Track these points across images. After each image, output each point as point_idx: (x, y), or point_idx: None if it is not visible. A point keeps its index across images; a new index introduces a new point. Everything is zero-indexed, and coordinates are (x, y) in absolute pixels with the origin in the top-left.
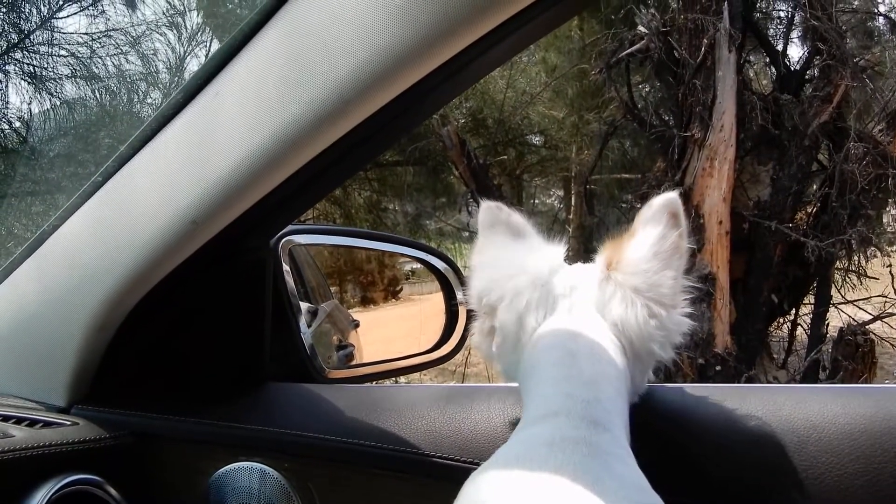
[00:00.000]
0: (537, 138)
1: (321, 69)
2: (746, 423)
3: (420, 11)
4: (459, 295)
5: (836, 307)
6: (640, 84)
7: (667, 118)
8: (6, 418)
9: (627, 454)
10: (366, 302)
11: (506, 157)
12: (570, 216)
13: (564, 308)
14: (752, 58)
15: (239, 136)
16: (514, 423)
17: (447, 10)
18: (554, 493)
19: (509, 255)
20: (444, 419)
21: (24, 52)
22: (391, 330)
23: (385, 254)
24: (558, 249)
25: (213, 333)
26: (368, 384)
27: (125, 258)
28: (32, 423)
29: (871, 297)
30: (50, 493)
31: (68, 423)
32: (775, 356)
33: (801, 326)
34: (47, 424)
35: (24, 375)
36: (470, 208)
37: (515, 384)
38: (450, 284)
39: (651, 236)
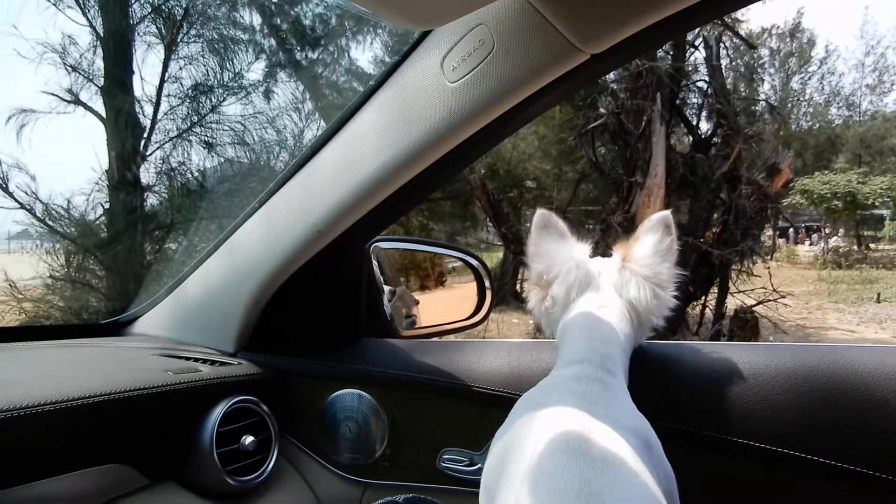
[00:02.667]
0: (531, 182)
1: (414, 121)
2: (706, 367)
3: (474, 91)
4: (486, 283)
5: (732, 295)
6: (600, 146)
7: (619, 169)
8: (196, 359)
9: (625, 392)
10: (422, 288)
11: (512, 194)
12: None
13: (595, 287)
14: (675, 129)
15: (350, 171)
16: (525, 366)
17: (490, 91)
18: (578, 408)
19: (559, 247)
20: (480, 362)
21: (202, 127)
22: (439, 306)
23: (436, 255)
24: (587, 247)
25: (327, 305)
26: (427, 339)
27: (274, 255)
28: (213, 362)
29: (755, 288)
30: (226, 407)
31: (235, 363)
32: (691, 328)
33: (708, 308)
34: (222, 364)
35: (209, 331)
36: (488, 229)
37: (530, 339)
38: (480, 275)
39: (652, 239)
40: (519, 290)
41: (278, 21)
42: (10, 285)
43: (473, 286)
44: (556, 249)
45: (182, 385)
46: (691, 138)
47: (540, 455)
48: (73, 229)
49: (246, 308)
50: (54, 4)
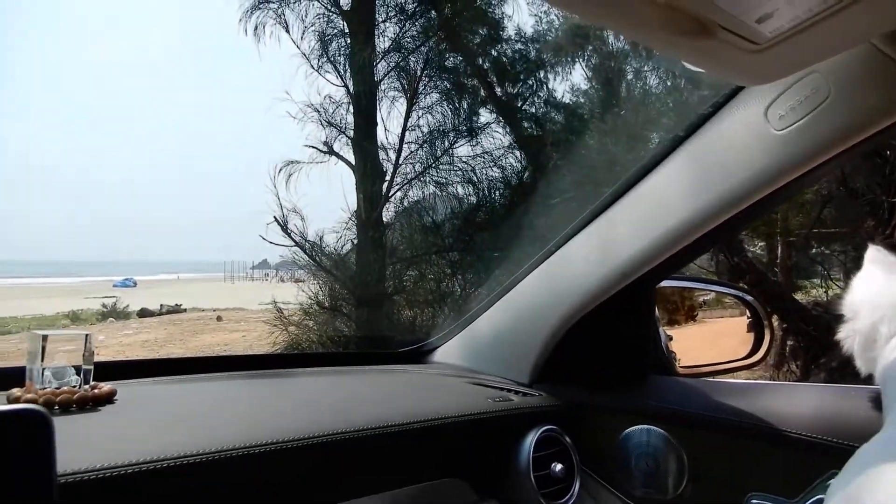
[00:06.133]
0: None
1: (732, 168)
2: None
3: (804, 138)
4: (764, 321)
5: None
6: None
7: (875, 189)
8: (502, 389)
9: None
10: (671, 322)
11: None
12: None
13: None
14: None
15: (659, 216)
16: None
17: (822, 138)
18: None
19: (881, 280)
20: (789, 405)
21: (437, 169)
22: (693, 342)
23: (685, 289)
24: None
25: (616, 341)
26: (703, 378)
27: (574, 295)
28: (516, 392)
29: None
30: (537, 434)
31: (536, 394)
32: None
33: None
34: (525, 395)
35: (504, 362)
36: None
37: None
38: (758, 313)
39: None
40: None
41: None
42: (277, 310)
43: (731, 322)
44: (875, 281)
45: (502, 412)
46: None
47: None
48: (329, 263)
49: (543, 343)
50: (316, 70)
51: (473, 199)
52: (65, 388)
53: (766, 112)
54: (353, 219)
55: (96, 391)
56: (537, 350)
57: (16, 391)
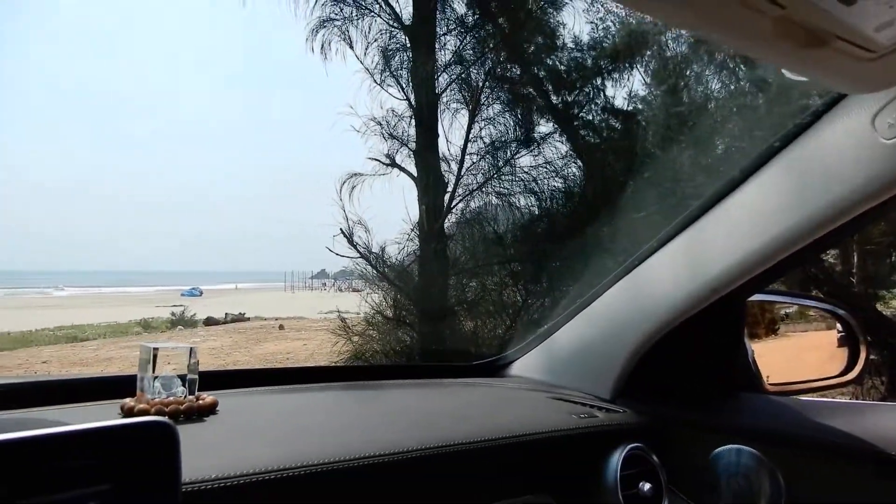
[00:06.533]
0: None
1: (835, 179)
2: None
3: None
4: (860, 337)
5: None
6: None
7: None
8: (584, 404)
9: None
10: (752, 336)
11: None
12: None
13: None
14: None
15: (754, 230)
16: None
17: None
18: None
19: None
20: (879, 424)
21: (499, 180)
22: (775, 357)
23: (765, 302)
24: None
25: (703, 356)
26: (795, 397)
27: (660, 309)
28: (600, 408)
29: None
30: (624, 452)
31: (620, 410)
32: None
33: None
34: (609, 411)
35: (585, 377)
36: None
37: None
38: (853, 329)
39: None
40: None
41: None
42: (341, 319)
43: (815, 337)
44: None
45: (588, 428)
46: None
47: None
48: (392, 274)
49: (626, 357)
50: (379, 84)
51: (536, 209)
52: (172, 398)
53: (873, 121)
54: (416, 230)
55: (200, 402)
56: (620, 365)
57: (129, 401)
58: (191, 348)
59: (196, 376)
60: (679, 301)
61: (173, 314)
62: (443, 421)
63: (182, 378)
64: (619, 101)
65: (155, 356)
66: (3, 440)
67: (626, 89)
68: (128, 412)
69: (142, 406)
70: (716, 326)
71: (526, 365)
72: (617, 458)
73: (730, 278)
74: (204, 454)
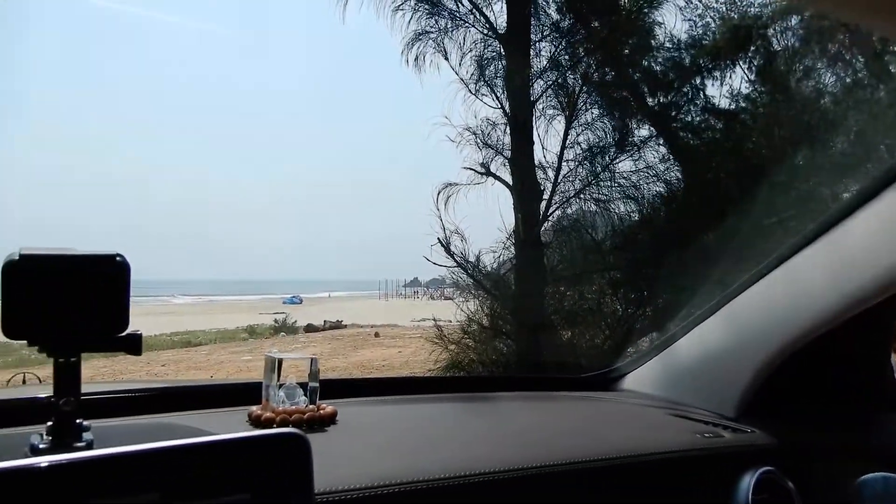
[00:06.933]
0: None
1: None
2: None
3: None
4: None
5: None
6: None
7: None
8: (706, 422)
9: None
10: None
11: None
12: None
13: None
14: None
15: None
16: None
17: None
18: None
19: None
20: None
21: (597, 186)
22: None
23: None
24: None
25: (844, 373)
26: None
27: (794, 322)
28: (724, 427)
29: None
30: (756, 476)
31: (748, 430)
32: None
33: None
34: (735, 430)
35: (705, 393)
36: None
37: None
38: None
39: None
40: None
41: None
42: (437, 328)
43: None
44: None
45: (715, 449)
46: None
47: None
48: (489, 282)
49: (754, 372)
50: (474, 94)
51: (637, 215)
52: (295, 407)
53: None
54: (511, 238)
55: (321, 412)
56: (748, 380)
57: (255, 409)
58: (312, 358)
59: (317, 385)
60: (819, 311)
61: (276, 321)
62: (559, 437)
63: (303, 386)
64: (724, 101)
65: (279, 365)
66: (159, 448)
67: (728, 87)
68: (255, 420)
69: (268, 415)
70: (861, 340)
71: (640, 378)
72: (748, 482)
73: (880, 287)
74: (330, 465)
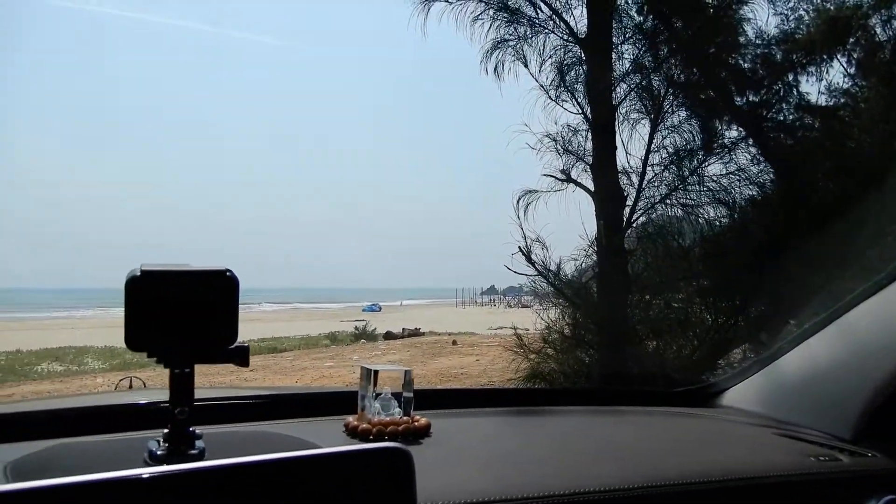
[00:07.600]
0: None
1: None
2: None
3: None
4: None
5: None
6: None
7: None
8: (826, 445)
9: None
10: None
11: None
12: None
13: None
14: None
15: None
16: None
17: None
18: None
19: None
20: None
21: (684, 191)
22: None
23: None
24: None
25: None
26: None
27: None
28: (841, 450)
29: None
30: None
31: (869, 454)
32: None
33: None
34: (852, 453)
35: (816, 412)
36: None
37: None
38: None
39: None
40: None
41: None
42: (517, 336)
43: None
44: None
45: (833, 474)
46: None
47: None
48: (570, 291)
49: (873, 390)
50: (554, 100)
51: (728, 220)
52: (390, 418)
53: None
54: (593, 246)
55: (416, 424)
56: (866, 399)
57: (352, 420)
58: (405, 370)
59: (412, 395)
60: None
61: (356, 328)
62: (663, 455)
63: (397, 397)
64: (821, 98)
65: (375, 377)
66: (270, 459)
67: (826, 83)
68: (351, 430)
69: (364, 426)
70: None
71: (742, 394)
72: None
73: None
74: (428, 479)
